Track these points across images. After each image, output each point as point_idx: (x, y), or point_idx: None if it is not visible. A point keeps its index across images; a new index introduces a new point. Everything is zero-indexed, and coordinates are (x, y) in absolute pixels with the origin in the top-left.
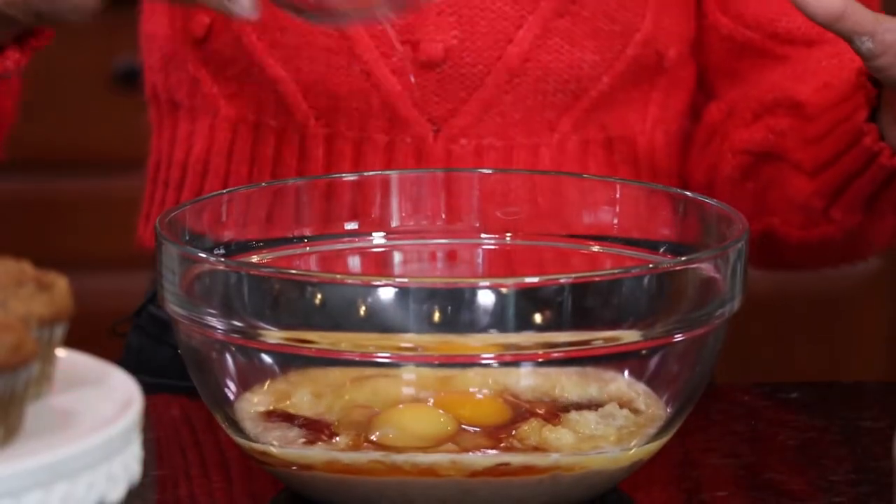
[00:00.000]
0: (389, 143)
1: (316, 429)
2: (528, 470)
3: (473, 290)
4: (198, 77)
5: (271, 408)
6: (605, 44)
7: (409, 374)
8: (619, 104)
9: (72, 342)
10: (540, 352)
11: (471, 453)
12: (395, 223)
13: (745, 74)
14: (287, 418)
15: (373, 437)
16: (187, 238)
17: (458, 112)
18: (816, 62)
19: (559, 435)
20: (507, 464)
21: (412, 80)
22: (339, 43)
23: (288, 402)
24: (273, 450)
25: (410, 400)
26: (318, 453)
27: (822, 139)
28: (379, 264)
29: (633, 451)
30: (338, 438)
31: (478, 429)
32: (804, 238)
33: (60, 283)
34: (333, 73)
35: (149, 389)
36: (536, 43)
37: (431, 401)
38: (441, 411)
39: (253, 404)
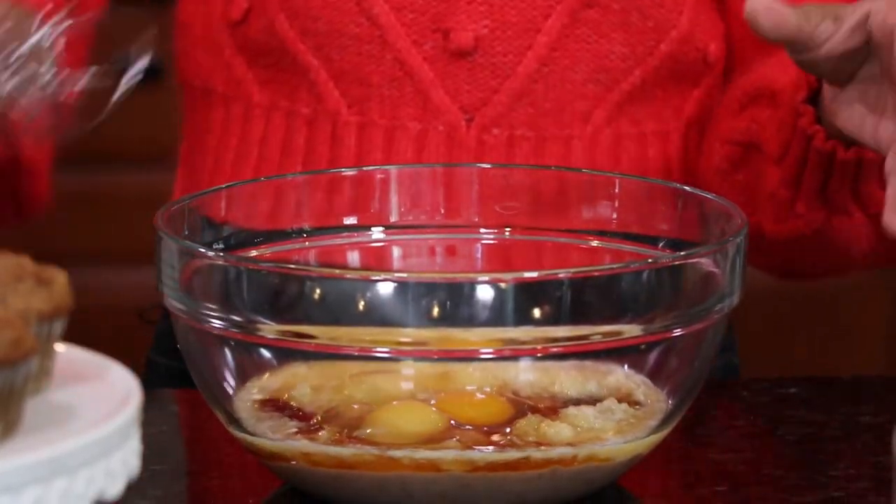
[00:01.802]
0: (422, 132)
1: (307, 421)
2: (532, 464)
3: (472, 285)
4: (232, 63)
5: (267, 397)
6: (636, 38)
7: (407, 369)
8: (656, 100)
9: (73, 338)
10: (539, 346)
11: (477, 449)
12: (394, 218)
13: (767, 57)
14: (280, 408)
15: (359, 434)
16: (205, 225)
17: (489, 101)
18: None
19: (557, 430)
20: (526, 458)
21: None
22: (369, 31)
23: (286, 395)
24: (268, 443)
25: (408, 397)
26: (306, 445)
27: (784, 126)
28: (378, 259)
29: (634, 442)
30: (322, 433)
31: (470, 427)
32: (777, 232)
33: (60, 279)
34: (365, 61)
35: (179, 375)
36: (564, 32)
37: (433, 400)
38: (433, 409)
39: (251, 394)
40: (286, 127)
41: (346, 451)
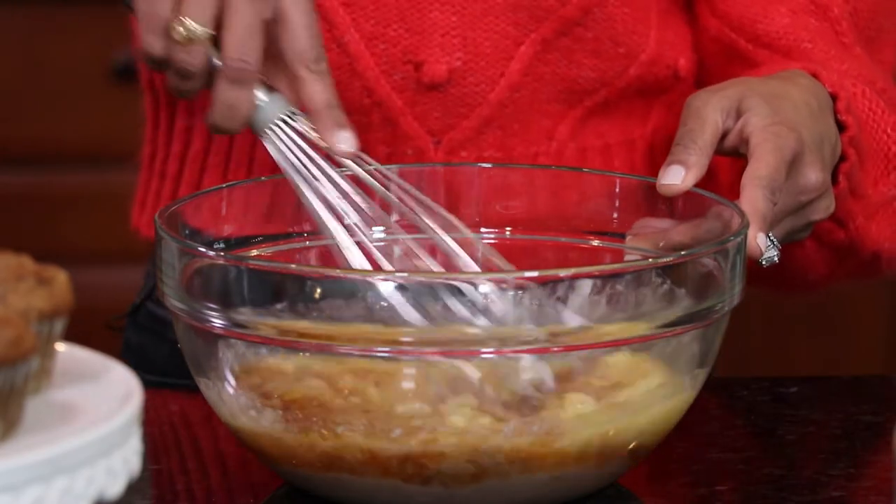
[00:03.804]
0: (390, 155)
1: (308, 420)
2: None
3: (473, 285)
4: None
5: (267, 396)
6: (606, 64)
7: (408, 368)
8: (620, 112)
9: (67, 337)
10: (540, 345)
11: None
12: (394, 217)
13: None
14: (280, 407)
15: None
16: (186, 233)
17: (457, 126)
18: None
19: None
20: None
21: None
22: (339, 58)
23: (286, 394)
24: (268, 442)
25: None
26: (307, 445)
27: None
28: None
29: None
30: (324, 432)
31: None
32: None
33: (60, 278)
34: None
35: (149, 387)
36: (536, 58)
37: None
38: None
39: (252, 392)
40: (252, 142)
41: (345, 452)
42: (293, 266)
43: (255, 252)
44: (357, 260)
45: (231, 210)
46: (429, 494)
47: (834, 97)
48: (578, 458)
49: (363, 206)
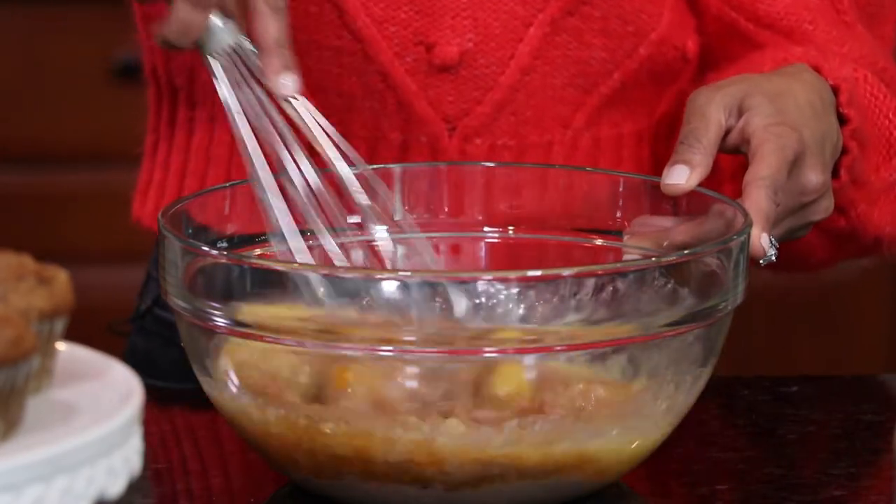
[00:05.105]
0: (404, 142)
1: (312, 419)
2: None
3: (475, 284)
4: (195, 66)
5: (270, 394)
6: (616, 43)
7: (412, 367)
8: (633, 100)
9: (67, 336)
10: (540, 344)
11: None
12: (398, 216)
13: (736, 60)
14: (283, 406)
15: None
16: (191, 230)
17: (471, 112)
18: (782, 61)
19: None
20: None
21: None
22: (351, 45)
23: (290, 393)
24: (271, 440)
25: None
26: (312, 445)
27: None
28: (382, 257)
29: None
30: (328, 431)
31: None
32: None
33: (61, 277)
34: (346, 73)
35: (153, 393)
36: (546, 41)
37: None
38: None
39: (255, 391)
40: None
41: (345, 453)
42: (296, 265)
43: (258, 251)
44: (278, 211)
45: (235, 208)
46: (428, 497)
47: (836, 90)
48: (579, 458)
49: (291, 139)
